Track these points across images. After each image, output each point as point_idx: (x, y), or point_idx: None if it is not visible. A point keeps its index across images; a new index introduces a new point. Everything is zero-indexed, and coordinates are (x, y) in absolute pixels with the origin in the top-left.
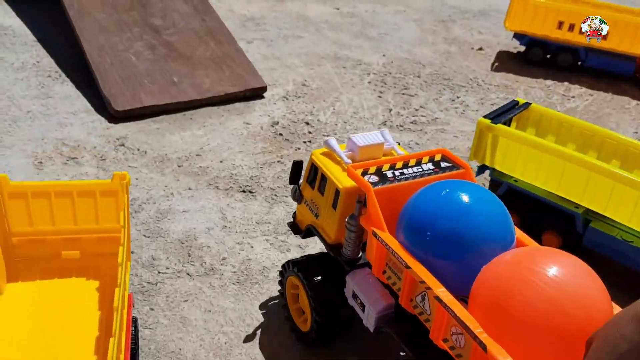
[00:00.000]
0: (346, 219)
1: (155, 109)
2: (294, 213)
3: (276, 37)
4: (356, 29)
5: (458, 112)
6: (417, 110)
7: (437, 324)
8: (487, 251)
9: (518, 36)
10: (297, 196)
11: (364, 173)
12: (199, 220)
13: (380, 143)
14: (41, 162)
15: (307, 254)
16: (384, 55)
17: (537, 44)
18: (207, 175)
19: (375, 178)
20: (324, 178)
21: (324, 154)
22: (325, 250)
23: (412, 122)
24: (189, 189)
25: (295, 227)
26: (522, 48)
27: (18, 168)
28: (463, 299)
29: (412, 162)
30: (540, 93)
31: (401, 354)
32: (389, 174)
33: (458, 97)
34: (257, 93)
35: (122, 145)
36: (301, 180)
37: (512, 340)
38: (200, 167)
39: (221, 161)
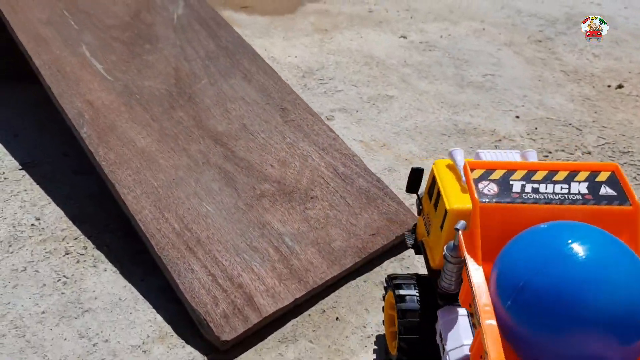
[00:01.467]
0: (444, 247)
1: (279, 313)
2: (414, 224)
3: (358, 102)
4: (450, 70)
5: None
6: None
7: None
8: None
9: None
10: (418, 207)
11: (484, 177)
12: None
13: None
14: None
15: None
16: (517, 117)
17: None
18: None
19: (493, 189)
20: (439, 193)
21: (448, 166)
22: None
23: None
24: None
25: (414, 241)
26: None
27: None
28: None
29: (561, 175)
30: None
31: None
32: (517, 186)
33: None
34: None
35: None
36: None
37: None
38: None
39: None
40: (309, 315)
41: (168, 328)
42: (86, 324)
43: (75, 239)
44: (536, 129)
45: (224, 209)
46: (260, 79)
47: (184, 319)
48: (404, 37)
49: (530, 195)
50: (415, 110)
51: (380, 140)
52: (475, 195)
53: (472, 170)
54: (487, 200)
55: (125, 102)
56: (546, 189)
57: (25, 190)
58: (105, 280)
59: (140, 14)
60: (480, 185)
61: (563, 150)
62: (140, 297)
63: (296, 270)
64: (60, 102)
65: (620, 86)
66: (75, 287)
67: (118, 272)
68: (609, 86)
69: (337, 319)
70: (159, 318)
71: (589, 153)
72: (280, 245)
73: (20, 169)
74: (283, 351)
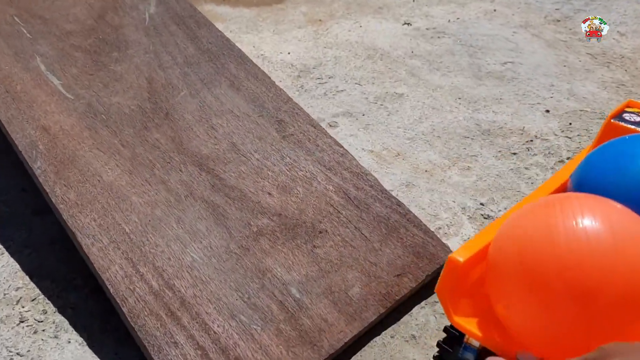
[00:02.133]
0: None
1: None
2: None
3: (364, 103)
4: (464, 60)
5: None
6: None
7: None
8: None
9: None
10: None
11: (630, 112)
12: None
13: None
14: None
15: None
16: (547, 112)
17: None
18: None
19: (636, 119)
20: None
21: None
22: None
23: None
24: None
25: None
26: None
27: None
28: None
29: None
30: None
31: None
32: None
33: None
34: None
35: None
36: None
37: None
38: None
39: None
40: None
41: None
42: None
43: (33, 300)
44: (570, 124)
45: (213, 255)
46: (250, 86)
47: None
48: (408, 24)
49: None
50: (430, 109)
51: (394, 148)
52: (612, 116)
53: (632, 106)
54: (620, 121)
55: (88, 125)
56: None
57: None
58: (69, 357)
59: (106, 16)
60: (626, 114)
61: None
62: None
63: (307, 332)
64: (9, 131)
65: None
66: None
67: (85, 343)
68: None
69: None
70: None
71: None
72: (285, 299)
73: None
74: None
